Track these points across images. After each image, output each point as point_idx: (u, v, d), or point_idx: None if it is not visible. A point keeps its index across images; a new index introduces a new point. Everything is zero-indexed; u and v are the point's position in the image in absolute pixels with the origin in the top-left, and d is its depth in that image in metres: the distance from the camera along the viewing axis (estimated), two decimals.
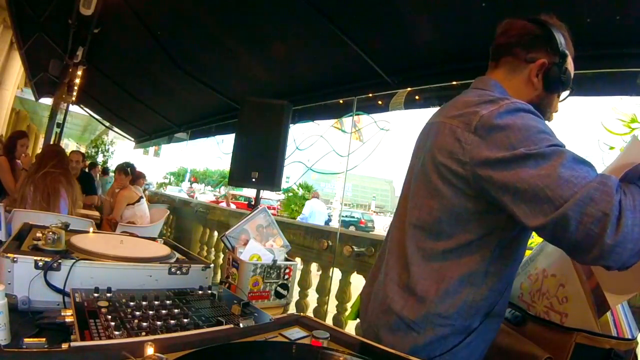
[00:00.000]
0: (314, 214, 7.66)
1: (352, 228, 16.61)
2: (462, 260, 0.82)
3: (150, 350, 0.54)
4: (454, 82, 2.14)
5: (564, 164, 0.67)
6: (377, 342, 0.79)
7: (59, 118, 6.62)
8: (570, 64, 0.89)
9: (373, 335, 0.92)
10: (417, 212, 0.89)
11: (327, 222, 8.46)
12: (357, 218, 21.03)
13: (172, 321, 0.78)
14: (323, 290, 2.69)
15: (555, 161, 0.67)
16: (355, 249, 2.42)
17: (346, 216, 20.86)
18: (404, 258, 0.89)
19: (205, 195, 28.18)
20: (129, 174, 3.83)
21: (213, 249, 4.13)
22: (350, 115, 2.96)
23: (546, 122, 0.90)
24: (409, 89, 2.45)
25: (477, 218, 0.81)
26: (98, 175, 6.49)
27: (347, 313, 2.56)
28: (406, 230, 0.90)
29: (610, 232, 0.61)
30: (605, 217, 0.61)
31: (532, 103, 0.85)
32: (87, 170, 6.48)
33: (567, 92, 0.94)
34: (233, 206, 11.98)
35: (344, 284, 2.57)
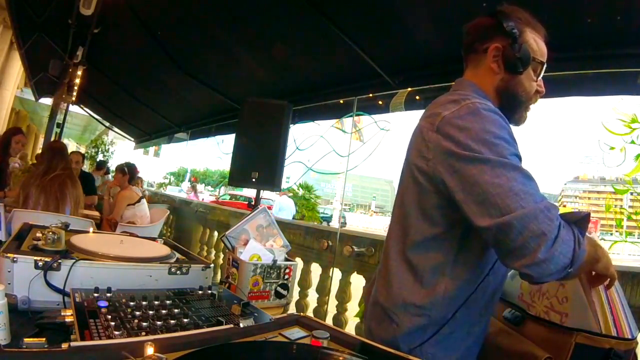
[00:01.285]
0: (282, 209, 9.02)
1: (324, 224, 17.64)
2: (431, 253, 0.87)
3: (150, 350, 0.54)
4: (454, 83, 2.14)
5: (517, 178, 0.74)
6: (369, 335, 0.91)
7: (59, 118, 6.61)
8: (528, 41, 0.90)
9: (367, 329, 0.98)
10: (397, 210, 0.96)
11: (294, 217, 10.18)
12: (330, 215, 21.88)
13: (172, 321, 0.78)
14: (323, 290, 2.69)
15: (509, 173, 0.74)
16: (356, 249, 2.42)
17: (321, 213, 21.46)
18: (387, 254, 0.96)
19: (202, 194, 28.27)
20: (126, 173, 3.83)
21: (213, 249, 4.13)
22: (351, 116, 2.95)
23: (535, 103, 0.96)
24: (409, 89, 2.45)
25: (440, 213, 0.86)
26: (100, 177, 6.44)
27: (346, 313, 2.56)
28: (392, 228, 0.98)
29: (544, 250, 0.70)
30: (544, 236, 0.70)
31: (500, 89, 0.92)
32: (94, 171, 6.49)
33: (542, 68, 0.93)
34: (201, 198, 12.75)
35: (344, 284, 2.57)
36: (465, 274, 0.87)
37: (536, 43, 0.92)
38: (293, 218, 9.86)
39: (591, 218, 0.82)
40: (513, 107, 0.92)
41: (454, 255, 0.86)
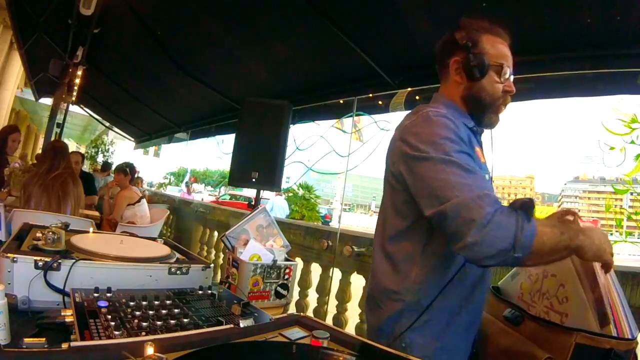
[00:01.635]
0: (275, 207, 9.63)
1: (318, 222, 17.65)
2: (403, 243, 0.99)
3: (150, 350, 0.54)
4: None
5: (456, 172, 0.83)
6: (367, 325, 1.02)
7: (59, 118, 6.60)
8: (485, 47, 0.98)
9: (366, 321, 1.10)
10: (380, 209, 1.09)
11: (287, 216, 10.90)
12: (323, 214, 21.59)
13: (172, 321, 0.78)
14: (323, 290, 2.69)
15: (449, 168, 0.84)
16: (355, 249, 2.42)
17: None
18: (374, 249, 1.09)
19: (201, 194, 28.38)
20: (127, 173, 3.83)
21: (213, 249, 4.13)
22: (351, 116, 2.95)
23: (506, 104, 1.02)
24: (409, 89, 2.45)
25: (408, 207, 0.96)
26: (102, 178, 6.42)
27: (346, 313, 2.56)
28: (376, 225, 1.09)
29: (473, 234, 0.78)
30: (472, 222, 0.78)
31: (465, 97, 1.01)
32: (99, 173, 6.48)
33: (503, 70, 0.98)
34: (200, 198, 13.05)
35: (344, 284, 2.57)
36: (434, 261, 0.96)
37: (494, 48, 0.98)
38: (286, 217, 10.34)
39: (573, 210, 0.86)
40: (480, 111, 1.01)
41: (422, 245, 0.96)
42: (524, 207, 0.82)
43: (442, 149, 0.86)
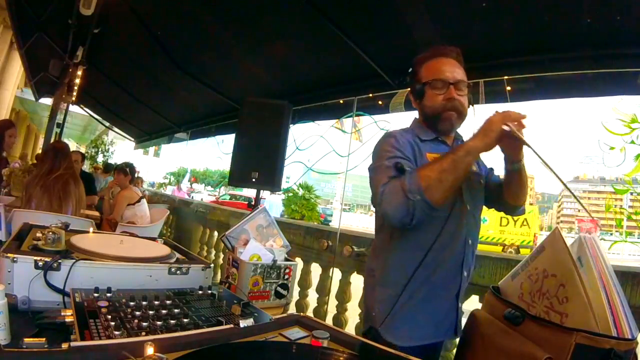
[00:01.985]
0: (271, 206, 10.37)
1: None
2: (381, 234, 1.26)
3: (150, 350, 0.54)
4: None
5: (383, 172, 1.11)
6: None
7: (59, 118, 6.60)
8: (420, 74, 1.23)
9: None
10: None
11: (281, 215, 11.75)
12: (318, 213, 21.26)
13: (172, 321, 0.78)
14: (323, 290, 2.69)
15: (380, 169, 1.12)
16: (355, 249, 2.41)
17: None
18: None
19: (200, 194, 28.43)
20: (128, 174, 3.83)
21: (213, 249, 4.13)
22: (351, 116, 2.95)
23: (453, 109, 1.19)
24: (409, 89, 2.45)
25: None
26: (104, 180, 6.42)
27: (346, 313, 2.56)
28: None
29: (384, 209, 1.07)
30: (378, 202, 1.08)
31: (421, 115, 1.27)
32: (102, 173, 6.47)
33: (434, 84, 1.19)
34: (200, 198, 13.33)
35: (344, 284, 2.57)
36: (399, 245, 1.18)
37: (429, 69, 1.22)
38: (280, 216, 10.59)
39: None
40: (432, 122, 1.23)
41: (390, 234, 1.20)
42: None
43: (381, 158, 1.13)
